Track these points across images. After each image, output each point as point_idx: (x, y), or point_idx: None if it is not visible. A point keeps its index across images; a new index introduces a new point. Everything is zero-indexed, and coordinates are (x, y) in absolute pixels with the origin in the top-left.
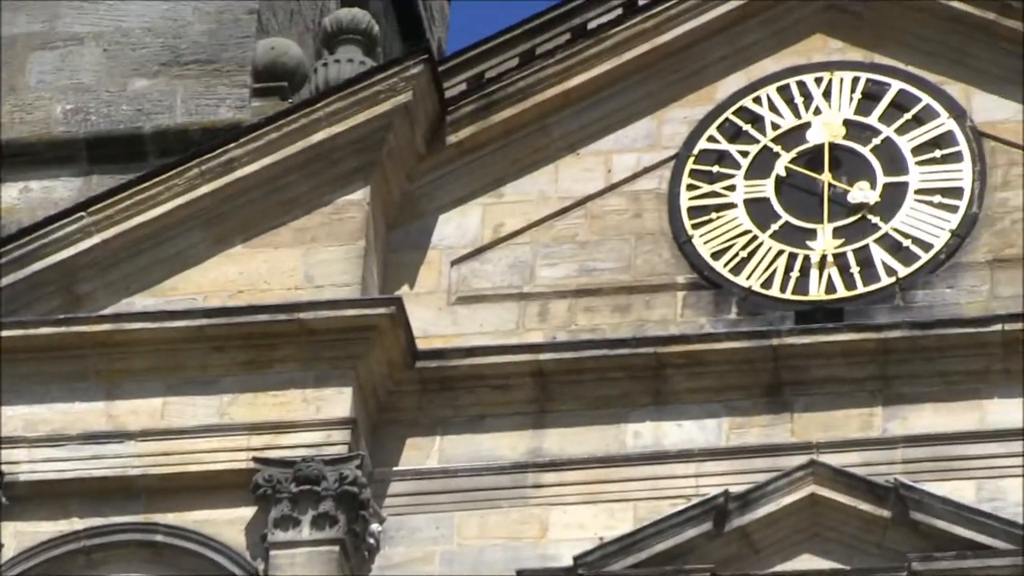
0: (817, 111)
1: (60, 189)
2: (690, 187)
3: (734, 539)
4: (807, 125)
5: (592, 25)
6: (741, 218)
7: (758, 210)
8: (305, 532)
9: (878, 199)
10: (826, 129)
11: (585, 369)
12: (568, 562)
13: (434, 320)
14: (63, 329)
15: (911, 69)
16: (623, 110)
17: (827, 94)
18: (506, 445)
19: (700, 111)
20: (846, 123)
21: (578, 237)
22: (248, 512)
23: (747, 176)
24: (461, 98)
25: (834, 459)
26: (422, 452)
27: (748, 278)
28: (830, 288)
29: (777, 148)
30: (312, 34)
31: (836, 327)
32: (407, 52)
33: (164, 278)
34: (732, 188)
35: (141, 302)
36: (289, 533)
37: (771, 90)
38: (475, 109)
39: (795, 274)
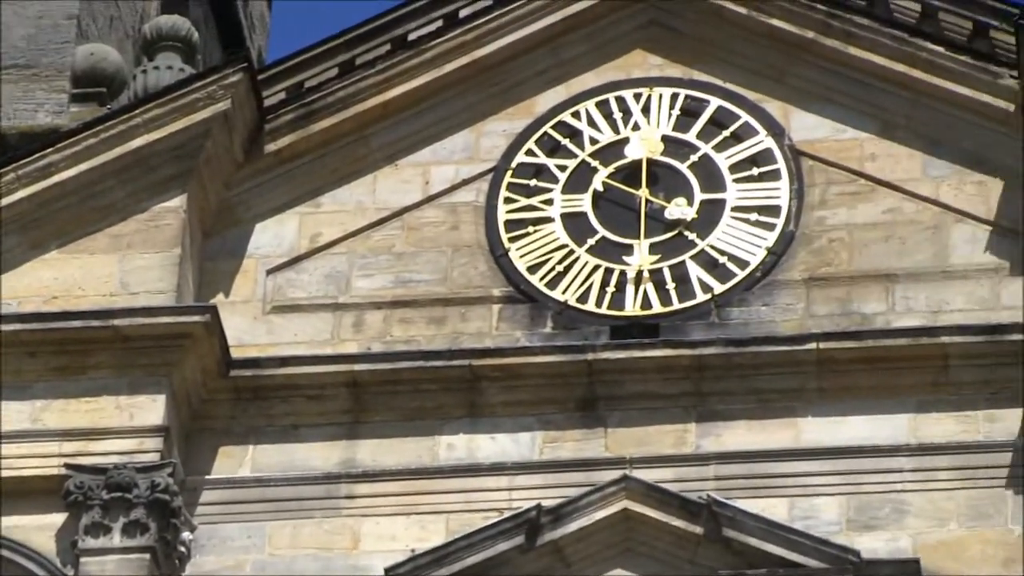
0: (636, 127)
1: None
2: (508, 200)
3: (546, 553)
4: (625, 140)
5: (412, 36)
6: (558, 232)
7: (575, 225)
8: (116, 539)
9: (695, 216)
10: (644, 145)
11: (399, 380)
12: (380, 573)
13: (249, 329)
14: None
15: (730, 86)
16: (442, 122)
17: (646, 110)
18: (319, 455)
19: (519, 124)
20: (664, 139)
21: (395, 248)
22: (59, 518)
23: (565, 190)
24: (280, 107)
25: (647, 475)
26: (235, 461)
27: (564, 292)
28: (646, 304)
29: (595, 163)
30: (132, 40)
31: (651, 343)
32: (226, 60)
33: None
34: (549, 202)
35: None
36: (100, 540)
37: (590, 105)
38: (294, 118)
39: (611, 289)
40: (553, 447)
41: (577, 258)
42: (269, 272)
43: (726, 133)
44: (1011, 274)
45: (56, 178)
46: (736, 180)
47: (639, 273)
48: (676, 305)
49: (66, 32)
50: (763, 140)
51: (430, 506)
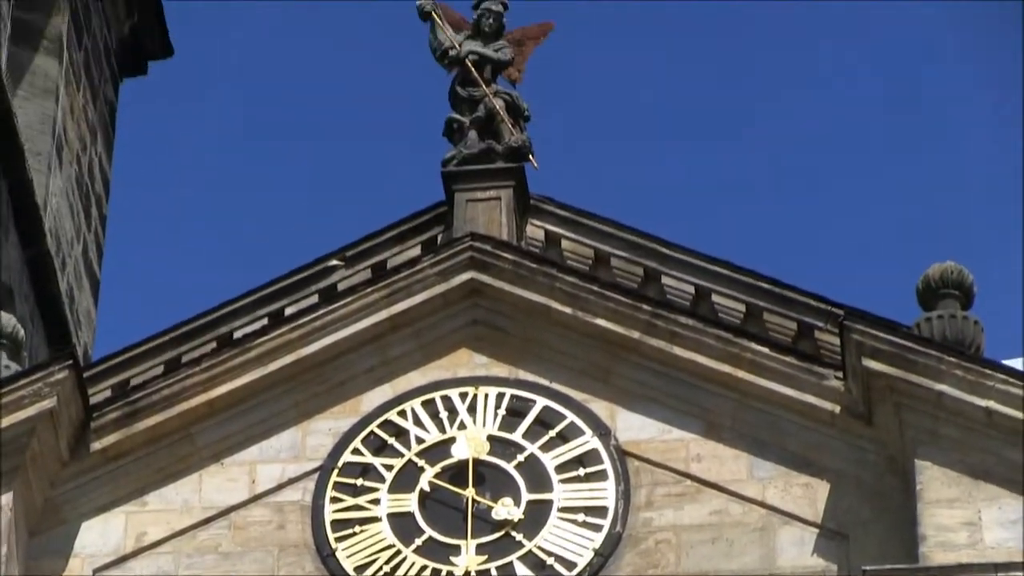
0: (462, 426)
1: None
2: (334, 499)
3: None
4: (452, 440)
5: (238, 334)
6: (385, 532)
7: (401, 524)
8: None
9: (522, 516)
10: (470, 445)
11: None
12: None
13: None
14: None
15: (556, 386)
16: (268, 420)
17: (472, 409)
18: None
19: (345, 423)
20: (490, 439)
21: (221, 548)
22: None
23: (391, 490)
24: (106, 404)
25: None
26: None
27: None
28: None
29: (422, 462)
30: None
31: None
32: (52, 357)
33: None
34: (376, 502)
35: None
36: None
37: (416, 404)
38: (120, 416)
39: None
40: None
41: (404, 559)
42: (96, 572)
43: (552, 433)
44: None
45: None
46: (562, 480)
47: (466, 574)
48: None
49: None
50: (589, 440)
51: None
